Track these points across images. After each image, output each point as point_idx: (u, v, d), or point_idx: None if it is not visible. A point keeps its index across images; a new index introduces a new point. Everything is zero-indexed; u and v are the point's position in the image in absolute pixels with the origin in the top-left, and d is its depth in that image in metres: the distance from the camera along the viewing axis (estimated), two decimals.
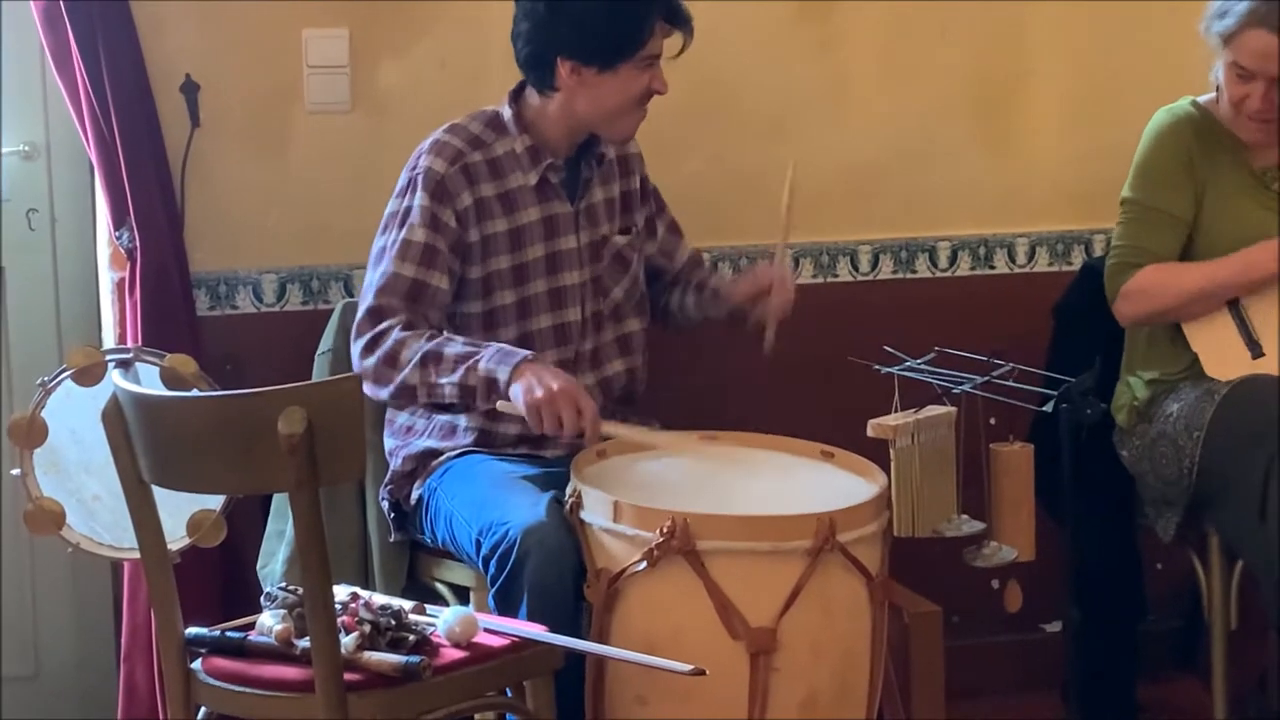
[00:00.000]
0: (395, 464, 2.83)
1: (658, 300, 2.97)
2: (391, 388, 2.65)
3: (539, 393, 2.55)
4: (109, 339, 3.07)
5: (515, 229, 2.76)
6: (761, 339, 2.76)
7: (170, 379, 2.78)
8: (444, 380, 2.62)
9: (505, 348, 2.64)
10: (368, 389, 2.68)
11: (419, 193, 2.71)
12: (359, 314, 2.71)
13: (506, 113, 2.78)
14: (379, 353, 2.66)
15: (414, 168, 2.74)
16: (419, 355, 2.63)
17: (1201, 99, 2.97)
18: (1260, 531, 2.71)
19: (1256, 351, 2.85)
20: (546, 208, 2.78)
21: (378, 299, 2.69)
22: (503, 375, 2.59)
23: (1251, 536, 2.74)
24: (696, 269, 2.99)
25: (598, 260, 2.83)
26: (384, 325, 2.67)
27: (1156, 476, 2.88)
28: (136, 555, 2.39)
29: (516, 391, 2.56)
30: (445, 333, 2.70)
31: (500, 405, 2.61)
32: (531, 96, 2.77)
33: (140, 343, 2.94)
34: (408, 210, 2.72)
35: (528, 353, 2.62)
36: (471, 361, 2.61)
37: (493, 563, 2.54)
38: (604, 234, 2.84)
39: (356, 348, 2.69)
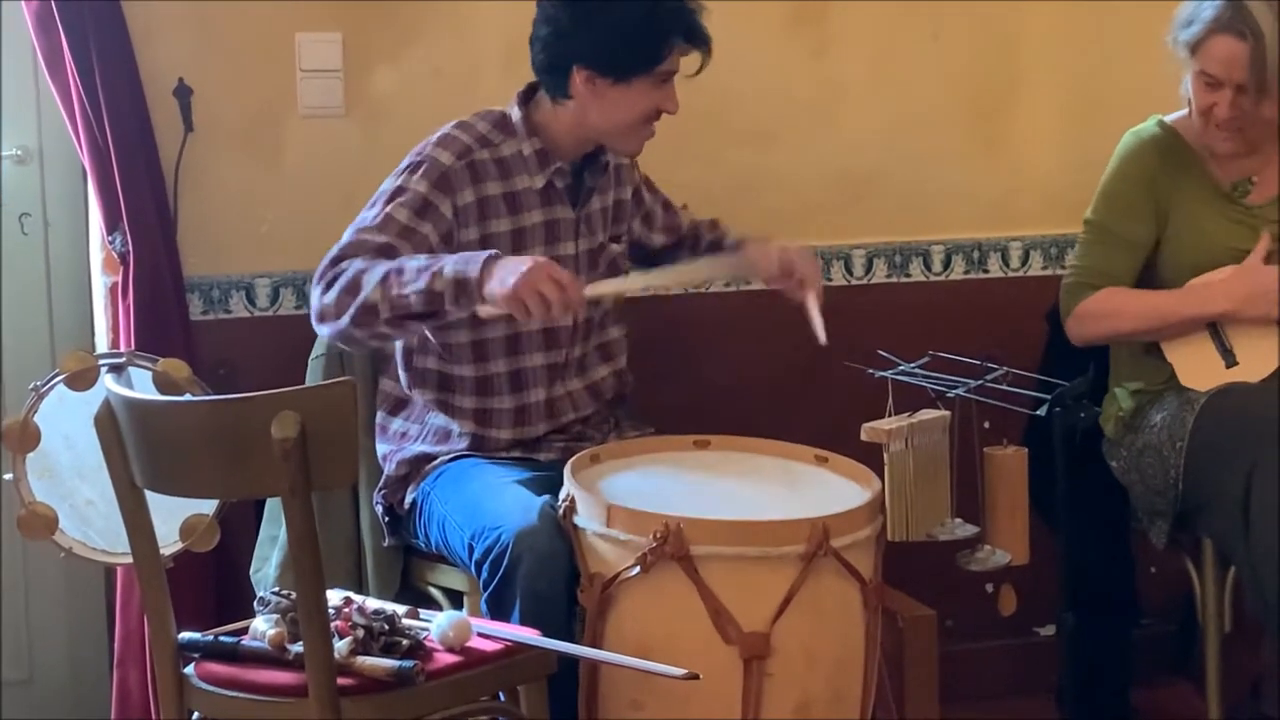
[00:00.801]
0: (388, 469, 2.82)
1: (664, 259, 2.95)
2: (351, 311, 2.59)
3: (512, 280, 2.50)
4: (102, 344, 3.07)
5: (518, 230, 2.75)
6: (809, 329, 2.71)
7: (163, 383, 2.78)
8: (409, 290, 2.56)
9: (467, 253, 2.60)
10: (325, 329, 2.64)
11: (418, 177, 2.69)
12: (321, 265, 2.66)
13: (515, 114, 2.78)
14: (339, 284, 2.60)
15: (419, 153, 2.73)
16: (381, 274, 2.58)
17: (1170, 118, 2.97)
18: (1245, 541, 2.72)
19: (1230, 361, 2.85)
20: (549, 211, 2.78)
21: (342, 251, 2.65)
22: (473, 273, 2.53)
23: (1238, 546, 2.74)
24: (698, 223, 2.98)
25: (594, 268, 2.83)
26: (343, 264, 2.62)
27: (1145, 487, 2.89)
28: (129, 560, 2.39)
29: (491, 290, 2.52)
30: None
31: (481, 311, 2.57)
32: (543, 101, 2.76)
33: (133, 347, 2.94)
34: (400, 190, 2.69)
35: (492, 250, 2.59)
36: (436, 267, 2.56)
37: (485, 567, 2.54)
38: (601, 241, 2.85)
39: (316, 290, 2.64)
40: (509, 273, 2.51)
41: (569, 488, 2.54)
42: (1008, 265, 3.49)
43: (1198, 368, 2.87)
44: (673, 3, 2.69)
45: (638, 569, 2.42)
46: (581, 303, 2.58)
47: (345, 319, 2.60)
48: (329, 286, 2.63)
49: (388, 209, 2.68)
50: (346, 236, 2.69)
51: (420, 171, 2.70)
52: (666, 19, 2.68)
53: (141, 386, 2.75)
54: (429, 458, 2.78)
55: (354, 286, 2.60)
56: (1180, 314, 2.86)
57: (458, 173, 2.71)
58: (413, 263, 2.60)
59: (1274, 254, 2.85)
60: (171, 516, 2.76)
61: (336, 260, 2.66)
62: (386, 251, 2.64)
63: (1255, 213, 2.90)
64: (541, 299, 2.50)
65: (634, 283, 2.75)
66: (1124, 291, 2.91)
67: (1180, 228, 2.91)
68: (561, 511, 2.52)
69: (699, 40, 2.71)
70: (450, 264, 2.57)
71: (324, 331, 2.67)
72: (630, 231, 2.92)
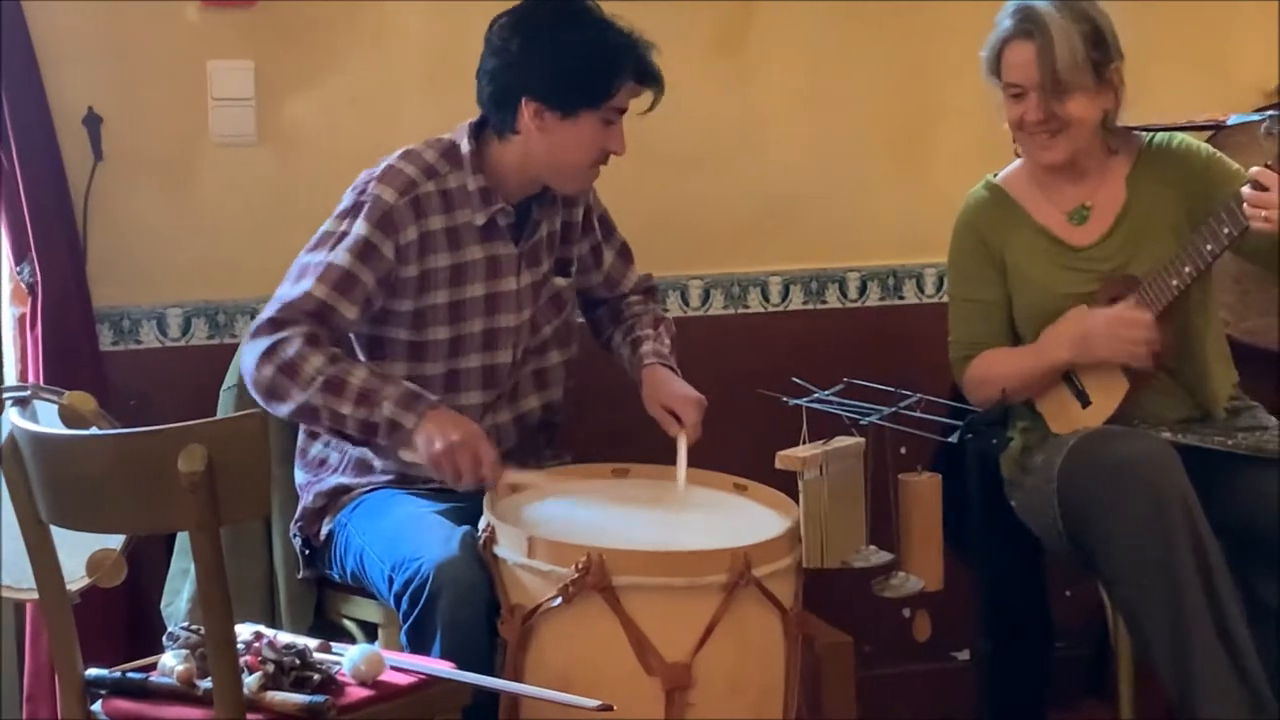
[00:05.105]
0: (306, 500, 2.79)
1: (601, 329, 2.97)
2: (292, 405, 2.61)
3: (438, 445, 2.55)
4: (10, 376, 3.02)
5: (458, 265, 2.73)
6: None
7: (69, 417, 2.73)
8: (346, 412, 2.60)
9: (409, 389, 2.62)
10: (261, 400, 2.63)
11: (360, 220, 2.67)
12: (257, 320, 2.65)
13: (465, 147, 2.74)
14: (277, 361, 2.60)
15: (362, 191, 2.70)
16: (323, 378, 2.59)
17: (1000, 174, 3.01)
18: (1114, 588, 2.77)
19: (1085, 401, 2.89)
20: (490, 248, 2.75)
21: (281, 312, 2.64)
22: (408, 423, 2.58)
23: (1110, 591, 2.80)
24: (643, 315, 2.95)
25: (536, 301, 2.81)
26: (283, 334, 2.61)
27: (1038, 527, 2.91)
28: (36, 596, 2.34)
29: (419, 442, 2.57)
30: (344, 354, 2.66)
31: (404, 454, 2.62)
32: (491, 138, 2.74)
33: (43, 379, 2.89)
34: (342, 235, 2.67)
35: (431, 399, 2.61)
36: (375, 400, 2.59)
37: (405, 599, 2.51)
38: (544, 273, 2.82)
39: (252, 354, 2.62)
40: (438, 433, 2.56)
41: (489, 518, 2.52)
42: (923, 291, 3.51)
43: (1060, 412, 2.91)
44: (624, 38, 2.68)
45: (559, 600, 2.40)
46: (495, 483, 2.60)
47: (283, 409, 2.62)
48: (266, 357, 2.61)
49: (329, 256, 2.65)
50: (288, 292, 2.66)
51: (363, 212, 2.67)
52: (618, 53, 2.68)
53: (47, 420, 2.71)
54: (347, 489, 2.76)
55: (293, 371, 2.60)
56: (1035, 369, 2.90)
57: (401, 211, 2.68)
58: (355, 377, 2.60)
59: (1104, 293, 2.88)
60: (78, 551, 2.71)
61: (274, 324, 2.63)
62: (323, 316, 2.63)
63: (1085, 255, 2.93)
64: (456, 471, 2.55)
65: (557, 483, 2.70)
66: (991, 357, 2.94)
67: (1016, 282, 2.95)
68: (482, 542, 2.51)
69: (649, 79, 2.71)
70: (390, 404, 2.59)
71: (258, 398, 2.64)
72: (579, 260, 2.89)
